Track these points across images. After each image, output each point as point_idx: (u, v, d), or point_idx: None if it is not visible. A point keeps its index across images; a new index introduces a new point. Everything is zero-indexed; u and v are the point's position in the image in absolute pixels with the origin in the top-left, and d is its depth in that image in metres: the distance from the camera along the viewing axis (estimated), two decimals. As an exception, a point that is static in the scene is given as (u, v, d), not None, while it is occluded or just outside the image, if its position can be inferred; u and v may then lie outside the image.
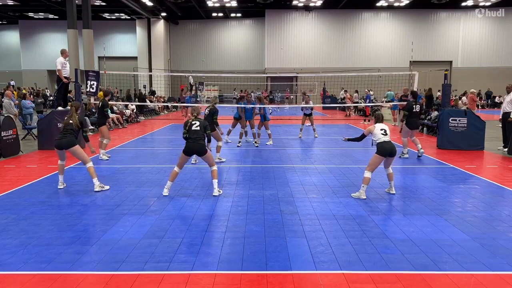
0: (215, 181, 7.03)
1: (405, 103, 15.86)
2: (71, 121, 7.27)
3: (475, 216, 5.89)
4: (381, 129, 6.90)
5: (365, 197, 6.75)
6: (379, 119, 7.13)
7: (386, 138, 6.78)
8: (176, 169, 6.93)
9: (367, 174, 6.78)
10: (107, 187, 7.34)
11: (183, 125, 6.97)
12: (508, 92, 12.12)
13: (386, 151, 6.72)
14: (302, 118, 15.06)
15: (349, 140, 7.46)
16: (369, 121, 21.10)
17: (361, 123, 20.53)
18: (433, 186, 7.66)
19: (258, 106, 13.10)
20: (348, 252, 4.56)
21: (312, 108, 15.32)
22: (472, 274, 4.08)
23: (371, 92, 26.90)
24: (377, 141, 6.81)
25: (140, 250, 4.58)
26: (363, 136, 7.18)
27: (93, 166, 7.34)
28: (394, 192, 7.01)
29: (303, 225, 5.44)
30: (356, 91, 27.66)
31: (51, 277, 3.97)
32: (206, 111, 9.77)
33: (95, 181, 7.21)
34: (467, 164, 9.69)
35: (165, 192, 6.94)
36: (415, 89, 15.64)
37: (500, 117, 12.10)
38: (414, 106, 10.49)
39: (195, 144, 6.74)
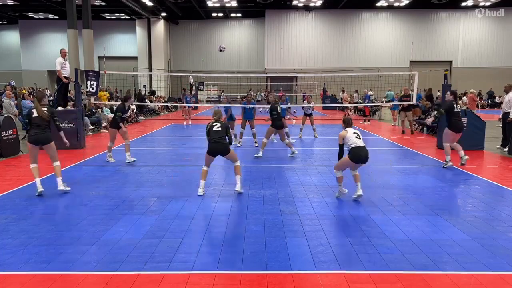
0: (238, 177, 7.09)
1: (408, 103, 15.90)
2: (42, 115, 6.98)
3: (475, 216, 5.89)
4: (354, 133, 6.63)
5: (346, 191, 6.73)
6: (349, 123, 6.81)
7: (361, 143, 6.50)
8: (204, 168, 7.06)
9: (338, 174, 6.72)
10: (68, 188, 7.07)
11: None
12: (507, 92, 12.24)
13: (360, 158, 6.45)
14: (303, 118, 15.05)
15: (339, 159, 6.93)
16: (368, 121, 21.09)
17: (360, 123, 20.53)
18: (433, 186, 7.65)
19: (257, 106, 13.07)
20: (348, 252, 4.56)
21: (313, 108, 15.27)
22: (472, 274, 4.08)
23: (371, 92, 26.91)
24: (351, 146, 6.48)
25: (140, 250, 4.58)
26: (341, 146, 6.77)
27: (59, 165, 7.21)
28: (361, 193, 6.54)
29: (303, 225, 5.44)
30: (356, 91, 27.66)
31: (51, 277, 3.97)
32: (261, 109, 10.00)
33: (59, 180, 6.99)
34: (467, 164, 9.68)
35: (200, 191, 6.95)
36: (415, 88, 15.66)
37: (500, 117, 12.14)
38: (455, 105, 9.20)
39: (218, 144, 6.89)
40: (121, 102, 10.18)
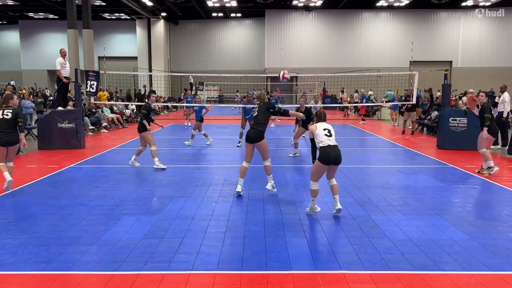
0: (269, 177, 6.92)
1: (409, 103, 15.88)
2: (6, 117, 6.89)
3: (475, 216, 5.89)
4: (324, 129, 5.83)
5: (319, 209, 5.88)
6: (321, 117, 6.05)
7: (331, 141, 5.73)
8: (245, 164, 6.88)
9: (314, 186, 5.80)
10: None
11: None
12: (502, 92, 12.46)
13: (329, 157, 5.64)
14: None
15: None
16: (363, 120, 21.06)
17: (360, 123, 20.53)
18: (433, 186, 7.65)
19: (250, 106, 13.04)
20: (348, 252, 4.56)
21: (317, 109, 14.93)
22: (472, 274, 4.08)
23: (371, 92, 26.88)
24: (320, 145, 5.73)
25: (140, 250, 4.58)
26: (313, 140, 6.17)
27: (13, 167, 7.17)
28: (340, 207, 5.76)
29: (303, 225, 5.44)
30: (356, 91, 27.66)
31: (51, 277, 3.97)
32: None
33: (7, 175, 6.85)
34: (467, 164, 9.68)
35: (239, 188, 6.77)
36: (415, 88, 15.64)
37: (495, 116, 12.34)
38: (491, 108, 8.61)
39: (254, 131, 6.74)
40: (146, 102, 9.82)
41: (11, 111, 7.02)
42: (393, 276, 4.02)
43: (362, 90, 24.79)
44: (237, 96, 33.64)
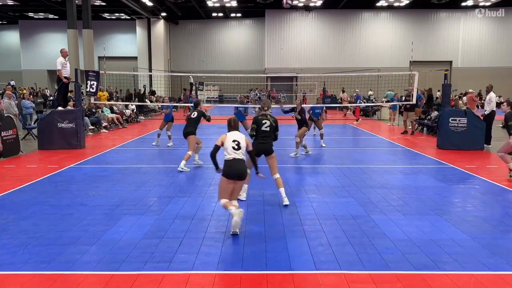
0: (281, 190, 6.39)
1: (409, 103, 15.88)
2: None
3: (475, 216, 5.89)
4: (234, 141, 5.29)
5: (239, 224, 5.09)
6: (231, 125, 5.51)
7: (238, 155, 5.24)
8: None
9: (222, 202, 5.25)
10: None
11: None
12: (488, 92, 12.53)
13: (230, 172, 5.18)
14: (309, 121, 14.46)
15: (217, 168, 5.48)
16: (357, 120, 21.00)
17: (354, 123, 20.53)
18: (433, 186, 7.65)
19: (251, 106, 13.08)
20: (348, 252, 4.56)
21: (325, 111, 13.94)
22: (472, 274, 4.08)
23: (371, 92, 26.86)
24: (225, 158, 5.26)
25: (140, 250, 4.58)
26: (216, 147, 5.36)
27: None
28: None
29: (303, 225, 5.44)
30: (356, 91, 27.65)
31: (51, 277, 3.97)
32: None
33: None
34: (467, 164, 9.68)
35: (243, 196, 6.45)
36: (415, 88, 15.63)
37: (483, 114, 12.48)
38: None
39: (264, 144, 6.45)
40: (195, 108, 9.72)
41: None
42: (393, 276, 4.02)
43: (357, 90, 24.73)
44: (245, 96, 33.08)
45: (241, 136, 5.41)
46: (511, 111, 8.58)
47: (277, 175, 6.45)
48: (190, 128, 9.04)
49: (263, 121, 6.45)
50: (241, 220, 5.05)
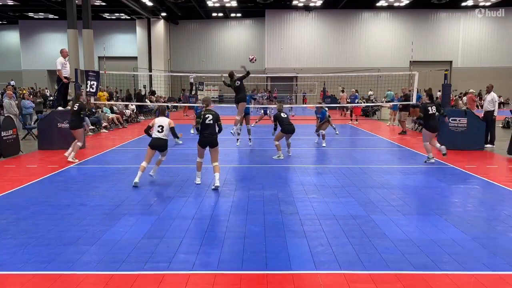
0: (216, 174, 7.40)
1: (406, 103, 15.91)
2: None
3: (475, 216, 5.89)
4: (159, 126, 7.64)
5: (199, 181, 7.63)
6: (159, 111, 8.02)
7: (160, 135, 7.63)
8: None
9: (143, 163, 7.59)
10: None
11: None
12: (488, 92, 12.55)
13: (155, 145, 7.63)
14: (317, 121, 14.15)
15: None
16: (356, 120, 21.03)
17: (352, 122, 20.52)
18: (433, 186, 7.65)
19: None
20: (348, 252, 4.56)
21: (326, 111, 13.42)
22: (472, 274, 4.08)
23: (371, 92, 26.85)
24: (152, 135, 7.68)
25: (140, 250, 4.58)
26: (148, 128, 7.77)
27: None
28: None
29: (303, 225, 5.44)
30: (356, 91, 27.63)
31: (51, 277, 3.97)
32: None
33: None
34: (467, 164, 9.68)
35: (198, 180, 7.64)
36: (415, 88, 15.65)
37: (482, 115, 12.50)
38: (429, 107, 9.85)
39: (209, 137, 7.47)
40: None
41: None
42: (393, 276, 4.02)
43: (352, 89, 24.69)
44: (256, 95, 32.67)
45: (165, 121, 7.73)
46: (427, 103, 10.01)
47: (216, 163, 7.50)
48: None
49: (206, 116, 7.39)
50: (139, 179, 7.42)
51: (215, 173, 7.40)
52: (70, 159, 9.83)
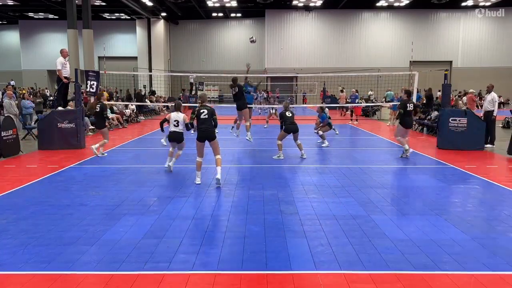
0: (218, 168, 7.59)
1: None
2: None
3: (475, 216, 5.89)
4: (175, 120, 8.49)
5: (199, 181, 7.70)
6: (175, 107, 8.76)
7: (177, 129, 8.52)
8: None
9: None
10: None
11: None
12: (488, 92, 12.58)
13: (170, 138, 8.65)
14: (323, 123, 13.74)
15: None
16: (356, 120, 21.01)
17: (353, 122, 20.51)
18: (433, 186, 7.65)
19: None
20: (348, 252, 4.56)
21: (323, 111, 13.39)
22: (472, 274, 4.08)
23: (371, 92, 26.84)
24: (170, 129, 8.61)
25: (140, 250, 4.58)
26: (163, 121, 8.78)
27: None
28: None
29: (303, 225, 5.44)
30: (357, 91, 27.64)
31: (51, 277, 3.97)
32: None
33: None
34: (467, 164, 9.68)
35: (198, 180, 7.70)
36: (409, 88, 15.63)
37: (481, 115, 12.50)
38: (408, 104, 10.30)
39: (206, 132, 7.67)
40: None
41: None
42: (393, 276, 4.02)
43: (353, 89, 24.68)
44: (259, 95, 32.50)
45: (180, 117, 8.55)
46: (407, 100, 10.36)
47: (219, 156, 7.68)
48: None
49: (201, 111, 7.60)
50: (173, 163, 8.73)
51: (217, 166, 7.56)
52: (99, 154, 10.45)
